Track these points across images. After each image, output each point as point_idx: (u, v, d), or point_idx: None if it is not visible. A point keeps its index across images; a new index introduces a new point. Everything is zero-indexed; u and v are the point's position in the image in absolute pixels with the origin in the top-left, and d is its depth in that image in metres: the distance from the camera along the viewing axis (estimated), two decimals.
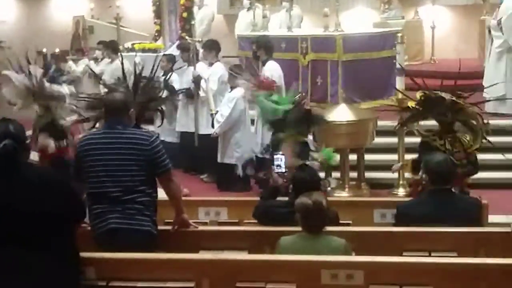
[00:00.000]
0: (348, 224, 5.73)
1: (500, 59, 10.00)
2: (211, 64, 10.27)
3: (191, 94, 10.26)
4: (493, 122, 8.75)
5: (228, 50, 12.84)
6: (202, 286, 4.46)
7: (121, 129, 5.02)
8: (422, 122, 6.58)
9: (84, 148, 5.03)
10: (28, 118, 6.81)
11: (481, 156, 7.67)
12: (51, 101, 6.88)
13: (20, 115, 5.78)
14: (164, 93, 6.99)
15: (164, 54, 11.72)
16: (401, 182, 8.55)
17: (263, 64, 9.48)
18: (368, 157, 9.00)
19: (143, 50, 13.31)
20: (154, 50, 13.33)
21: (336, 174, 8.80)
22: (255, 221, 5.73)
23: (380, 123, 8.96)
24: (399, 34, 8.97)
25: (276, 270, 4.44)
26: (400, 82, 8.63)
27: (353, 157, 8.81)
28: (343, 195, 8.44)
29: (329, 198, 6.18)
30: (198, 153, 10.31)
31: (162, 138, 10.55)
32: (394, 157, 8.71)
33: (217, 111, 9.49)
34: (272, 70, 9.31)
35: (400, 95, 8.51)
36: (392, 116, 8.95)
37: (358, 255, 4.77)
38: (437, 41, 14.33)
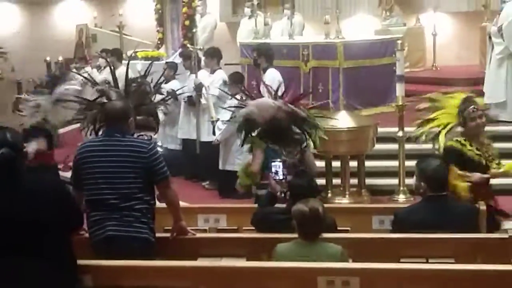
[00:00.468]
0: (346, 231, 5.74)
1: (501, 66, 10.00)
2: (213, 72, 10.32)
3: (193, 102, 10.30)
4: (494, 128, 8.84)
5: (231, 58, 12.90)
6: None
7: (120, 137, 5.05)
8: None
9: (83, 155, 5.06)
10: None
11: None
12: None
13: None
14: (157, 98, 6.96)
15: (165, 62, 11.79)
16: (401, 188, 8.56)
17: (264, 72, 9.51)
18: (368, 163, 9.01)
19: (146, 58, 13.33)
20: (157, 58, 13.36)
21: (336, 181, 8.81)
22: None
23: (381, 129, 8.97)
24: (399, 41, 8.98)
25: (272, 277, 4.46)
26: (400, 89, 8.64)
27: (353, 163, 8.82)
28: (344, 201, 8.45)
29: (328, 205, 6.21)
30: (200, 160, 10.35)
31: (164, 145, 10.71)
32: (395, 163, 8.73)
33: (218, 119, 9.53)
34: (272, 77, 9.33)
35: (400, 101, 8.56)
36: (392, 122, 8.99)
37: (355, 262, 4.79)
38: (439, 48, 14.34)
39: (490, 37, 10.21)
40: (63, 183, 4.46)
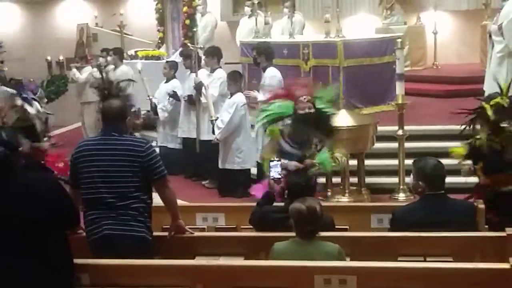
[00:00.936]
0: (345, 229, 5.73)
1: (501, 64, 9.95)
2: (213, 71, 10.32)
3: (193, 101, 10.31)
4: None
5: (232, 57, 12.90)
6: None
7: (117, 136, 5.05)
8: None
9: (80, 154, 5.06)
10: None
11: None
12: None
13: None
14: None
15: (166, 61, 11.80)
16: (401, 187, 8.55)
17: (264, 70, 9.51)
18: (368, 162, 9.01)
19: (146, 57, 13.37)
20: (157, 57, 13.39)
21: (336, 179, 8.81)
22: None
23: (380, 128, 8.97)
24: (399, 40, 8.97)
25: (269, 276, 4.45)
26: (400, 88, 8.64)
27: (353, 162, 8.81)
28: (343, 200, 8.45)
29: (327, 203, 6.21)
30: (200, 159, 10.36)
31: (164, 144, 10.73)
32: (395, 162, 8.73)
33: (217, 118, 9.53)
34: (272, 76, 9.34)
35: (400, 100, 8.55)
36: (392, 121, 8.99)
37: (353, 260, 4.78)
38: (440, 46, 14.31)
39: (490, 36, 10.17)
40: (58, 181, 4.45)
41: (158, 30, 14.83)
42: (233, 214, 6.23)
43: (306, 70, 11.00)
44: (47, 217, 4.09)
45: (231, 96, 9.56)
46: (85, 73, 13.45)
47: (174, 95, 10.80)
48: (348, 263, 4.66)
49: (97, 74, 12.89)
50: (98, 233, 4.91)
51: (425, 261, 4.87)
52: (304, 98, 6.88)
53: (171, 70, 11.07)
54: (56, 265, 4.14)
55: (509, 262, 4.33)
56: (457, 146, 6.21)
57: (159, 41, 14.76)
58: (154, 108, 11.07)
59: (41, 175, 4.78)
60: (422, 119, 10.27)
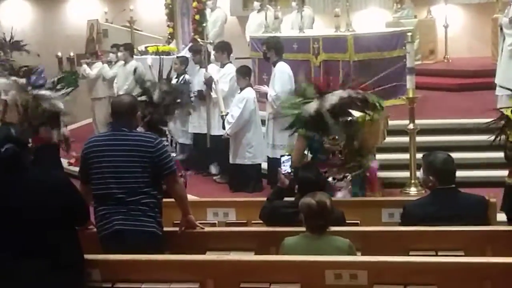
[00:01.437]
0: (356, 224, 5.72)
1: None
2: (222, 66, 10.32)
3: (203, 96, 10.32)
4: None
5: (242, 52, 12.89)
6: (207, 287, 4.48)
7: (127, 131, 5.06)
8: None
9: (90, 150, 5.07)
10: None
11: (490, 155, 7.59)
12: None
13: None
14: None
15: (177, 56, 11.79)
16: (413, 181, 8.52)
17: (274, 65, 9.49)
18: (379, 156, 8.96)
19: (156, 53, 13.36)
20: (167, 53, 13.37)
21: None
22: None
23: (391, 122, 8.93)
24: (409, 34, 8.93)
25: (280, 271, 4.45)
26: (410, 82, 8.60)
27: None
28: None
29: (338, 198, 6.20)
30: (211, 154, 10.37)
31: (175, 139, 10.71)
32: (406, 156, 8.69)
33: (227, 113, 9.53)
34: (282, 71, 9.32)
35: (411, 94, 8.52)
36: (402, 115, 8.95)
37: (365, 255, 4.78)
38: (450, 40, 14.25)
39: (501, 29, 10.13)
40: (67, 177, 4.46)
41: (168, 26, 14.79)
42: (244, 209, 6.25)
43: (316, 64, 10.97)
44: (57, 213, 4.11)
45: (241, 91, 9.56)
46: (96, 69, 13.48)
47: (185, 88, 10.79)
48: (359, 257, 4.65)
49: (107, 69, 12.98)
50: (109, 228, 4.92)
51: (436, 255, 4.87)
52: None
53: (181, 66, 11.06)
54: (66, 261, 4.15)
55: None
56: None
57: (169, 37, 14.73)
58: None
59: (51, 171, 4.80)
60: (433, 113, 10.23)
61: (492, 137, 5.95)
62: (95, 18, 16.66)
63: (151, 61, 11.58)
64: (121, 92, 11.24)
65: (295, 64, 10.19)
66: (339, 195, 6.88)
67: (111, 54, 13.31)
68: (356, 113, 7.18)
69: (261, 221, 5.80)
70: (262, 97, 9.65)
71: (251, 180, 9.57)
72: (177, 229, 5.34)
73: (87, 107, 14.02)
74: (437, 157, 5.29)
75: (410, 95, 8.56)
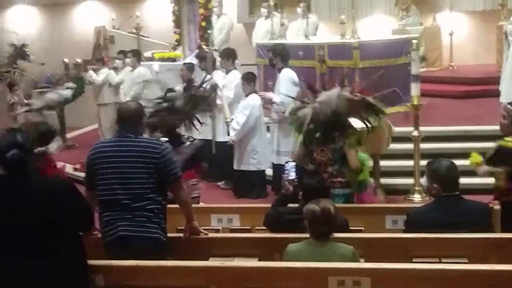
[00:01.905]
0: (360, 230, 5.73)
1: None
2: (228, 72, 10.35)
3: None
4: None
5: (248, 58, 12.92)
6: None
7: (133, 138, 5.09)
8: None
9: (96, 156, 5.10)
10: None
11: None
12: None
13: None
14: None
15: (183, 63, 11.82)
16: (416, 188, 8.53)
17: (279, 72, 9.52)
18: (383, 163, 8.99)
19: (163, 59, 13.41)
20: (174, 59, 13.42)
21: None
22: None
23: (396, 129, 8.95)
24: (414, 41, 8.95)
25: (283, 277, 4.46)
26: (415, 89, 8.62)
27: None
28: None
29: (342, 204, 6.22)
30: (216, 160, 10.38)
31: None
32: (410, 163, 8.71)
33: (232, 119, 9.56)
34: (287, 77, 9.35)
35: (415, 101, 8.54)
36: (407, 122, 8.97)
37: (368, 262, 4.77)
38: (456, 47, 14.25)
39: (506, 36, 10.15)
40: (72, 183, 4.48)
41: (175, 32, 14.85)
42: (248, 215, 6.26)
43: (322, 71, 10.98)
44: (62, 218, 4.11)
45: (246, 97, 9.59)
46: (102, 75, 13.54)
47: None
48: (362, 264, 4.65)
49: (113, 75, 13.03)
50: (113, 234, 4.94)
51: (440, 262, 4.87)
52: None
53: (188, 72, 11.10)
54: (70, 266, 4.16)
55: None
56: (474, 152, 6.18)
57: (176, 43, 14.78)
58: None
59: (55, 177, 4.82)
60: (437, 120, 10.25)
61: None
62: (102, 25, 16.72)
63: (158, 68, 11.65)
64: (127, 98, 11.28)
65: (300, 70, 10.21)
66: None
67: (117, 61, 13.36)
68: (357, 124, 6.85)
69: (265, 228, 5.82)
70: (267, 103, 9.68)
71: (255, 186, 9.60)
72: (181, 235, 5.34)
73: (92, 113, 14.06)
74: (441, 165, 5.30)
75: (415, 102, 8.59)
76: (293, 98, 8.02)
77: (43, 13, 18.87)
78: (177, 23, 14.80)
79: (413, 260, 4.87)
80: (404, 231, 5.43)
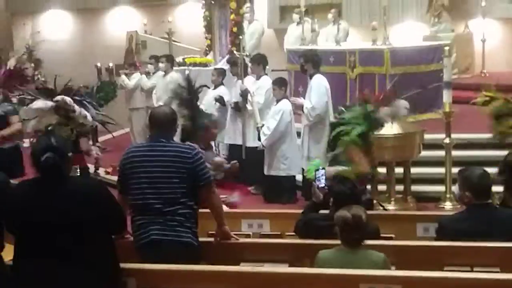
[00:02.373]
0: (390, 238, 5.71)
1: None
2: (258, 78, 10.38)
3: (239, 108, 10.38)
4: None
5: (278, 64, 12.95)
6: None
7: (165, 142, 5.12)
8: None
9: (129, 160, 5.13)
10: None
11: None
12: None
13: None
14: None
15: (214, 68, 11.89)
16: (448, 195, 8.48)
17: (310, 78, 9.53)
18: (414, 170, 8.95)
19: (194, 64, 13.48)
20: (205, 64, 13.49)
21: (382, 187, 8.77)
22: None
23: (427, 136, 8.91)
24: (447, 48, 8.91)
25: (314, 283, 4.45)
26: (447, 96, 8.58)
27: (399, 170, 8.77)
28: (389, 208, 8.39)
29: (373, 212, 6.20)
30: (246, 165, 10.40)
31: None
32: (441, 170, 8.66)
33: (263, 124, 9.58)
34: (319, 83, 9.35)
35: (447, 108, 8.50)
36: (439, 129, 8.92)
37: (399, 270, 4.76)
38: (488, 54, 14.13)
39: None
40: (106, 186, 4.52)
41: (206, 38, 14.93)
42: (278, 221, 6.26)
43: (353, 77, 10.98)
44: (95, 222, 4.16)
45: (277, 102, 9.61)
46: (134, 80, 13.64)
47: (220, 100, 10.88)
48: (393, 272, 4.63)
49: (145, 80, 13.13)
50: (145, 238, 4.97)
51: (472, 271, 4.82)
52: None
53: (219, 77, 11.17)
54: (103, 269, 4.20)
55: None
56: None
57: (207, 48, 14.85)
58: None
59: (89, 181, 4.88)
60: (469, 128, 10.16)
61: None
62: (134, 30, 16.85)
63: (189, 73, 11.71)
64: (160, 103, 11.36)
65: (331, 77, 10.21)
66: None
67: (149, 65, 13.46)
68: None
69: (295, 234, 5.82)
70: (297, 109, 9.68)
71: (285, 191, 9.61)
72: (212, 239, 5.36)
73: (124, 117, 14.17)
74: (473, 173, 5.26)
75: (447, 109, 8.54)
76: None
77: (76, 18, 19.07)
78: (209, 28, 14.88)
79: (445, 269, 4.83)
80: (436, 239, 5.39)
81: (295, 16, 13.94)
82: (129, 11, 18.76)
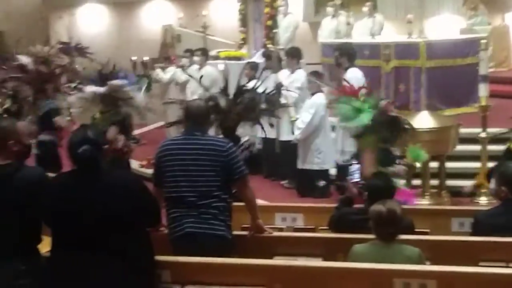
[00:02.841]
0: (425, 233, 5.67)
1: None
2: (293, 71, 10.37)
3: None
4: None
5: (313, 57, 12.90)
6: None
7: (200, 136, 5.14)
8: None
9: (164, 153, 5.18)
10: None
11: None
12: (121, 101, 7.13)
13: None
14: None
15: (247, 62, 11.89)
16: (483, 190, 8.39)
17: (345, 71, 9.49)
18: (450, 164, 8.87)
19: (228, 58, 13.50)
20: (239, 58, 13.51)
21: (416, 182, 8.71)
22: None
23: (463, 130, 8.82)
24: (483, 41, 8.81)
25: (348, 278, 4.44)
26: (483, 89, 8.49)
27: (434, 164, 8.71)
28: (423, 202, 8.34)
29: (407, 206, 6.16)
30: (279, 159, 10.41)
31: None
32: (477, 165, 8.59)
33: (297, 118, 9.57)
34: (353, 77, 9.29)
35: (483, 102, 8.41)
36: (475, 123, 8.83)
37: (434, 265, 4.73)
38: None
39: None
40: (141, 179, 4.56)
41: (241, 31, 14.96)
42: (312, 215, 6.26)
43: (387, 71, 10.91)
44: (130, 214, 4.19)
45: (312, 96, 9.59)
46: (169, 73, 13.71)
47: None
48: (428, 267, 4.59)
49: (180, 73, 13.18)
50: (180, 231, 5.01)
51: (507, 267, 4.78)
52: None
53: (252, 71, 11.15)
54: (138, 261, 4.23)
55: None
56: None
57: (241, 42, 14.88)
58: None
59: (125, 173, 4.92)
60: (505, 122, 10.04)
61: None
62: (169, 23, 16.93)
63: (223, 67, 11.74)
64: (195, 97, 11.39)
65: (366, 70, 10.15)
66: None
67: (184, 59, 13.51)
68: None
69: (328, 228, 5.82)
70: (332, 103, 9.64)
71: (319, 185, 9.59)
72: (245, 232, 5.39)
73: (159, 111, 14.24)
74: (509, 167, 5.21)
75: (483, 103, 8.46)
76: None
77: (112, 11, 19.23)
78: (243, 22, 14.91)
79: (480, 264, 4.80)
80: (471, 234, 5.34)
81: (330, 9, 13.89)
82: (165, 4, 18.87)
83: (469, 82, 10.36)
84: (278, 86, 10.08)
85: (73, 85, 7.36)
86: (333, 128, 9.75)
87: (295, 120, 9.59)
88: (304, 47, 11.04)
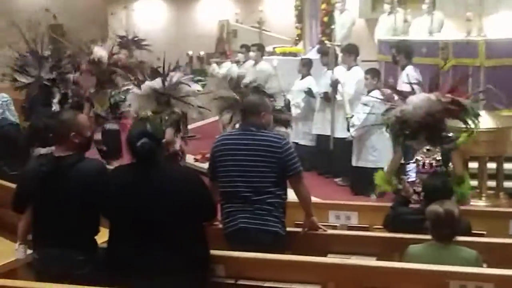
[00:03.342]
0: (481, 235, 5.57)
1: None
2: (349, 68, 10.30)
3: (329, 98, 10.33)
4: None
5: (369, 54, 12.78)
6: None
7: (255, 131, 5.14)
8: None
9: (219, 148, 5.20)
10: None
11: None
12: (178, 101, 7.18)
13: None
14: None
15: (301, 59, 11.86)
16: None
17: (402, 69, 9.39)
18: (508, 165, 8.70)
19: (284, 54, 13.49)
20: (294, 54, 13.49)
21: (473, 183, 8.55)
22: None
23: None
24: None
25: (402, 278, 4.40)
26: None
27: (492, 165, 8.55)
28: (480, 204, 8.20)
29: (464, 207, 6.06)
30: (334, 156, 10.36)
31: (296, 141, 10.77)
32: None
33: (352, 115, 9.50)
34: (411, 75, 9.19)
35: None
36: None
37: (491, 267, 4.65)
38: None
39: None
40: (198, 174, 4.59)
41: (296, 27, 14.93)
42: (367, 213, 6.21)
43: (445, 69, 10.73)
44: (187, 207, 4.23)
45: (368, 93, 9.50)
46: (224, 68, 13.76)
47: (309, 92, 10.84)
48: (485, 270, 4.51)
49: (235, 69, 13.22)
50: (234, 226, 5.03)
51: None
52: None
53: (304, 67, 11.12)
54: (194, 255, 4.28)
55: None
56: None
57: (297, 38, 14.85)
58: (287, 104, 11.13)
59: (184, 168, 4.95)
60: None
61: None
62: (225, 19, 17.01)
63: (277, 62, 11.74)
64: None
65: (423, 68, 10.01)
66: None
67: (239, 54, 13.54)
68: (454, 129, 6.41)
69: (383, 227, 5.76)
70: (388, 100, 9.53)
71: (373, 184, 9.49)
72: (298, 229, 5.38)
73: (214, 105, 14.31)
74: None
75: None
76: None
77: (169, 6, 19.43)
78: (299, 18, 14.88)
79: None
80: None
81: (387, 6, 13.74)
82: (221, 0, 18.97)
83: None
84: (335, 83, 10.05)
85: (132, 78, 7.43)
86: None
87: (351, 117, 9.51)
88: (360, 44, 10.94)
